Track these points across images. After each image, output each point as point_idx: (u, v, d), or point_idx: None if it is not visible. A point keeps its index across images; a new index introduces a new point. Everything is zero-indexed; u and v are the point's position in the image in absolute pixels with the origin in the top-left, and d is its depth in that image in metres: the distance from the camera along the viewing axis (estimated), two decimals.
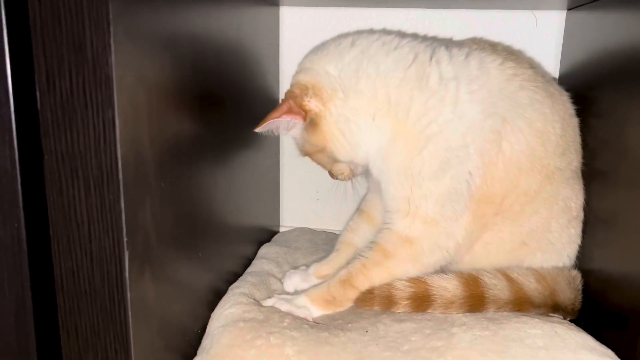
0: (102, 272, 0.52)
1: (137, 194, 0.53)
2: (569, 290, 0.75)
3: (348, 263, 0.82)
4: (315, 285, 0.81)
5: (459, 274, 0.74)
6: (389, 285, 0.74)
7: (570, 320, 0.74)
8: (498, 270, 0.75)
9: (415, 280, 0.74)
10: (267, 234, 1.09)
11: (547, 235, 0.79)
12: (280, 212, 1.17)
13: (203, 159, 0.70)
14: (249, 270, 0.90)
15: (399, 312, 0.73)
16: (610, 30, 0.79)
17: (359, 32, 0.84)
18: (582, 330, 0.68)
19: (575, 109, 0.83)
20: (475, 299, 0.72)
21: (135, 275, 0.53)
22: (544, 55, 1.00)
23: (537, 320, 0.67)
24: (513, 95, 0.75)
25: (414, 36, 0.85)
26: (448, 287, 0.72)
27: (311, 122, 0.78)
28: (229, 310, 0.71)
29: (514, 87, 0.76)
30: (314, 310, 0.76)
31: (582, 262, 0.81)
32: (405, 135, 0.75)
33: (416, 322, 0.69)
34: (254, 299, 0.76)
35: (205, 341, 0.69)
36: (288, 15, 1.08)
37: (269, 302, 0.76)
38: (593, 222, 0.79)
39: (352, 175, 0.89)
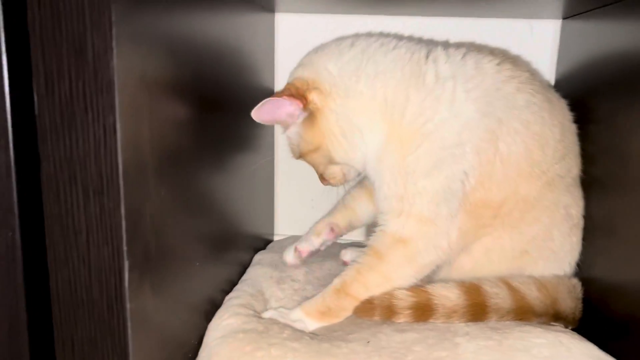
0: (101, 282, 0.50)
1: (137, 202, 0.51)
2: (570, 299, 0.75)
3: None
4: (308, 299, 0.79)
5: (460, 283, 0.73)
6: (390, 294, 0.73)
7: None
8: (499, 279, 0.74)
9: (417, 290, 0.73)
10: (262, 242, 1.07)
11: (549, 244, 0.79)
12: (275, 220, 1.16)
13: (200, 166, 0.69)
14: (244, 278, 0.88)
15: (399, 322, 0.72)
16: (605, 40, 0.79)
17: (358, 35, 0.85)
18: (585, 339, 0.68)
19: (573, 116, 0.83)
20: (477, 308, 0.71)
21: (134, 286, 0.51)
22: (539, 63, 1.00)
23: (540, 329, 0.67)
24: (509, 97, 0.75)
25: (413, 39, 0.86)
26: (450, 296, 0.71)
27: (310, 116, 0.79)
28: (227, 321, 0.70)
29: (510, 89, 0.76)
30: (309, 323, 0.74)
31: (582, 270, 0.81)
32: (400, 135, 0.74)
33: (418, 332, 0.68)
34: (253, 310, 0.74)
35: (203, 353, 0.67)
36: (283, 22, 1.07)
37: (266, 315, 0.75)
38: (593, 229, 0.79)
39: (344, 180, 0.88)
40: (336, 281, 0.76)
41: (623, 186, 0.71)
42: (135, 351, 0.52)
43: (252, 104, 0.79)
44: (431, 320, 0.71)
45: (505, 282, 0.74)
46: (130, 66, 0.49)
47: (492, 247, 0.78)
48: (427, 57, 0.77)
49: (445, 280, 0.75)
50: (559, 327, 0.72)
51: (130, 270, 0.50)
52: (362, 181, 0.96)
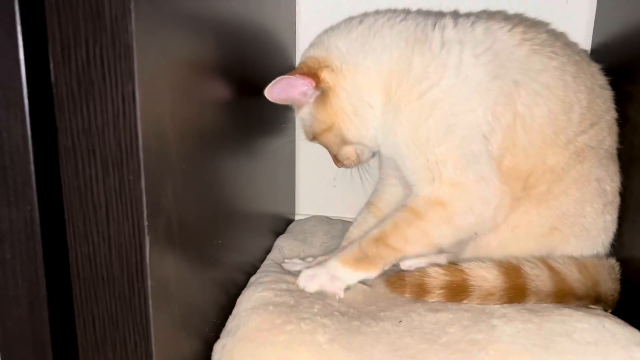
0: (121, 258, 0.49)
1: (158, 175, 0.49)
2: (610, 281, 0.71)
3: None
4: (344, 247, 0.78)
5: (498, 262, 0.70)
6: (422, 272, 0.70)
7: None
8: (539, 259, 0.70)
9: (452, 268, 0.70)
10: (283, 222, 1.05)
11: (581, 220, 0.75)
12: (296, 199, 1.14)
13: (222, 142, 0.67)
14: (271, 257, 0.87)
15: (432, 301, 0.69)
16: None
17: (369, 13, 0.84)
18: (627, 324, 0.64)
19: (610, 83, 0.79)
20: (516, 291, 0.67)
21: (156, 262, 0.49)
22: (574, 33, 0.95)
23: (581, 313, 0.63)
24: (524, 59, 0.73)
25: (423, 12, 0.85)
26: (488, 277, 0.68)
27: (322, 95, 0.78)
28: (260, 294, 0.68)
29: (523, 52, 0.73)
30: (344, 273, 0.72)
31: (619, 250, 0.77)
32: (408, 105, 0.72)
33: (452, 313, 0.65)
34: (286, 283, 0.73)
35: (232, 323, 0.65)
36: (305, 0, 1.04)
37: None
38: (634, 207, 0.75)
39: (359, 161, 0.87)
40: (375, 231, 0.74)
41: None
42: (157, 328, 0.50)
43: None
44: (465, 302, 0.68)
45: (546, 262, 0.70)
46: (150, 31, 0.46)
47: (519, 223, 0.75)
48: (434, 25, 0.76)
49: (477, 259, 0.72)
50: (599, 310, 0.69)
51: (151, 246, 0.48)
52: (369, 201, 0.93)
